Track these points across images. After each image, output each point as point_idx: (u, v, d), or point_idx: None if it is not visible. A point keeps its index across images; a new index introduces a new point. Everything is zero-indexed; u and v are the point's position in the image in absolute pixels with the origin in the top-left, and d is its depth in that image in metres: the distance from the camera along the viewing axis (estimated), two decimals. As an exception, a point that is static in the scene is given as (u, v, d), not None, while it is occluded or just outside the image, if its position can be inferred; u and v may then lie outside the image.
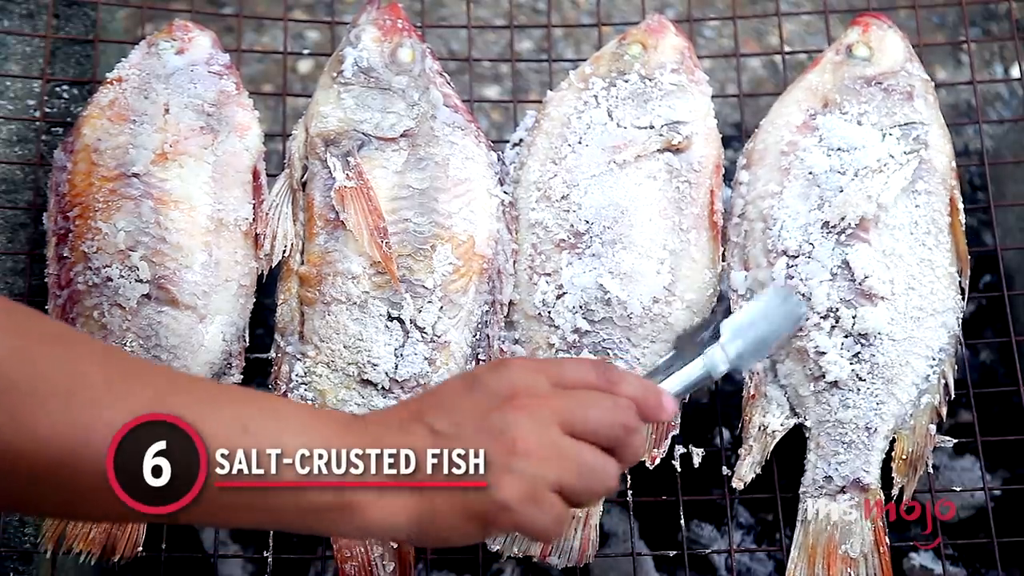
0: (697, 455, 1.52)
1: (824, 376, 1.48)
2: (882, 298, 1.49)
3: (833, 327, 1.49)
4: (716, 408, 1.60)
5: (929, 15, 1.65)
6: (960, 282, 1.54)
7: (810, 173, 1.54)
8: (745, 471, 1.49)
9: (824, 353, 1.48)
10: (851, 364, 1.48)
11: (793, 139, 1.57)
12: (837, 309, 1.49)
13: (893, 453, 1.48)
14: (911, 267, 1.51)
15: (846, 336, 1.49)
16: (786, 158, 1.56)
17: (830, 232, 1.51)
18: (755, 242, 1.55)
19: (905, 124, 1.56)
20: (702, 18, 2.10)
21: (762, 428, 1.51)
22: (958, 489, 1.67)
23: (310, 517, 1.09)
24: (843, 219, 1.50)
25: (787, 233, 1.52)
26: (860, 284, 1.49)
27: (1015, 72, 2.29)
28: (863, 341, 1.48)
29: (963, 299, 1.53)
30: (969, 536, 1.69)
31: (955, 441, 1.51)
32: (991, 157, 1.70)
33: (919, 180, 1.54)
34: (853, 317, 1.48)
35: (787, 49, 1.83)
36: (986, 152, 1.69)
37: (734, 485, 1.49)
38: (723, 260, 1.57)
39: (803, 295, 1.50)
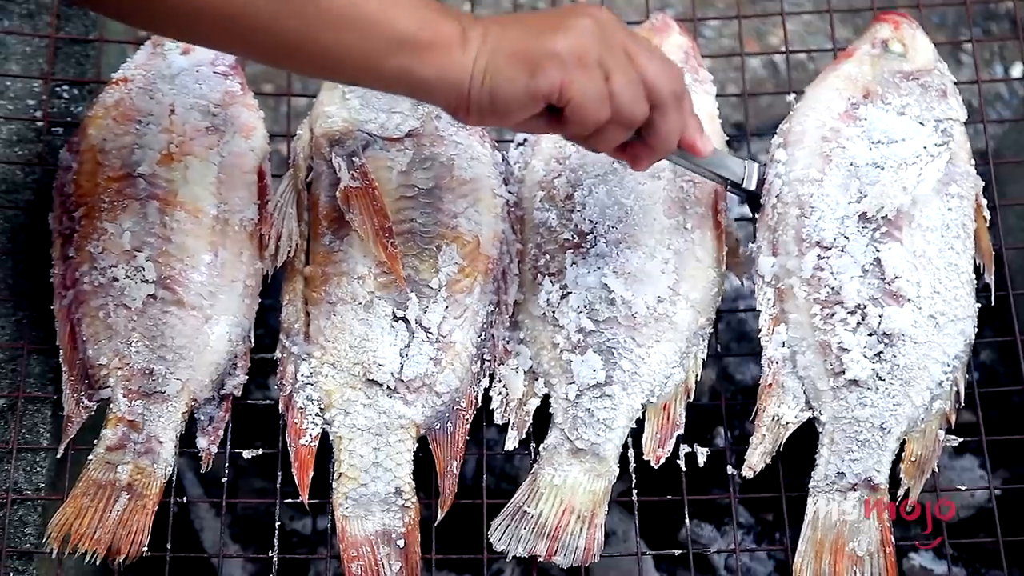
0: (702, 454, 1.52)
1: (844, 372, 1.48)
2: (908, 300, 1.48)
3: (859, 324, 1.48)
4: (721, 409, 1.60)
5: (929, 15, 1.65)
6: (984, 278, 1.54)
7: (852, 164, 1.54)
8: (756, 460, 1.49)
9: (848, 350, 1.48)
10: (872, 363, 1.48)
11: (835, 126, 1.56)
12: (865, 306, 1.48)
13: (903, 455, 1.48)
14: (938, 270, 1.50)
15: (870, 334, 1.48)
16: (827, 144, 1.55)
17: (866, 227, 1.51)
18: (787, 228, 1.54)
19: (942, 120, 1.57)
20: (704, 17, 2.09)
21: (776, 418, 1.50)
22: (963, 488, 1.68)
23: (394, 51, 1.21)
24: (880, 210, 1.50)
25: (824, 224, 1.51)
26: (889, 284, 1.48)
27: (1015, 72, 2.30)
28: (886, 341, 1.48)
29: (991, 296, 1.54)
30: (969, 536, 1.70)
31: (959, 440, 1.51)
32: (991, 157, 1.70)
33: (952, 183, 1.54)
34: (880, 316, 1.48)
35: (787, 48, 1.83)
36: (990, 152, 1.69)
37: (744, 473, 1.48)
38: (754, 242, 1.56)
39: (832, 288, 1.50)
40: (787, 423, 1.50)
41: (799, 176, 1.55)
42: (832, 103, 1.58)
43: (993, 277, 1.54)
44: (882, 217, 1.50)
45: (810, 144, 1.56)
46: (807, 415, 1.50)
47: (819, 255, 1.51)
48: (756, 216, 1.58)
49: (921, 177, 1.51)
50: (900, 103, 1.57)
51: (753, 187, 1.54)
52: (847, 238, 1.50)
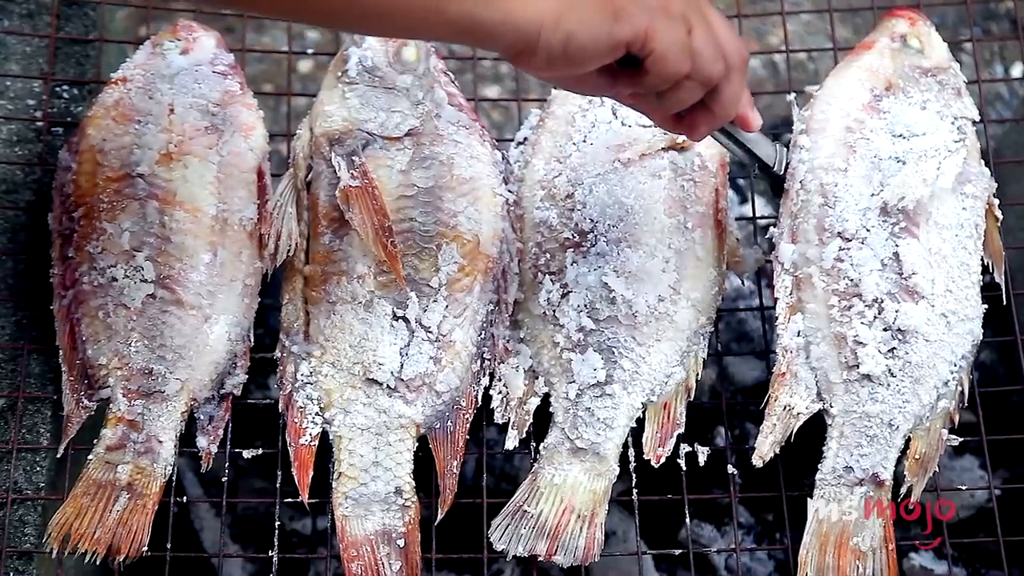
0: (702, 454, 1.52)
1: (858, 367, 1.47)
2: (923, 297, 1.48)
3: (875, 318, 1.48)
4: (721, 408, 1.60)
5: (930, 14, 1.65)
6: (994, 277, 1.54)
7: (875, 157, 1.54)
8: (766, 449, 1.48)
9: (863, 344, 1.48)
10: (886, 359, 1.48)
11: (860, 117, 1.57)
12: (882, 301, 1.48)
13: (907, 453, 1.48)
14: (952, 269, 1.51)
15: (885, 329, 1.48)
16: (852, 135, 1.56)
17: (886, 220, 1.51)
18: (809, 216, 1.53)
19: (958, 118, 1.58)
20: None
21: (787, 408, 1.49)
22: (963, 488, 1.68)
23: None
24: (901, 200, 1.50)
25: (848, 215, 1.51)
26: (907, 279, 1.49)
27: (1015, 72, 2.30)
28: (900, 337, 1.48)
29: (1002, 295, 1.54)
30: (969, 536, 1.70)
31: (960, 440, 1.51)
32: (991, 157, 1.70)
33: (968, 183, 1.54)
34: (896, 311, 1.48)
35: (787, 48, 1.83)
36: (990, 152, 1.69)
37: (754, 462, 1.48)
38: (775, 227, 1.56)
39: (851, 280, 1.50)
40: (798, 413, 1.49)
41: (823, 164, 1.55)
42: (855, 93, 1.59)
43: (1003, 277, 1.54)
44: (901, 210, 1.50)
45: (834, 133, 1.56)
46: (818, 406, 1.50)
47: (840, 246, 1.51)
48: (779, 200, 1.57)
49: (940, 171, 1.51)
50: (921, 98, 1.58)
51: (782, 171, 1.54)
52: (868, 230, 1.50)
